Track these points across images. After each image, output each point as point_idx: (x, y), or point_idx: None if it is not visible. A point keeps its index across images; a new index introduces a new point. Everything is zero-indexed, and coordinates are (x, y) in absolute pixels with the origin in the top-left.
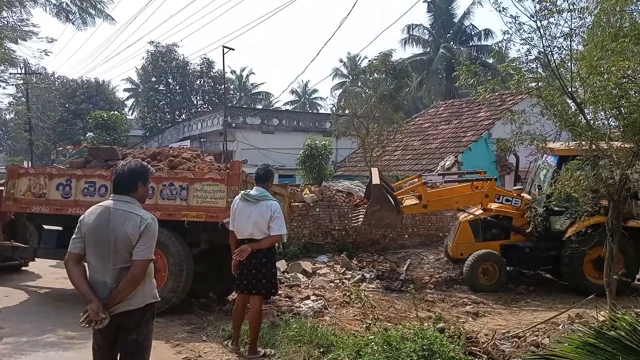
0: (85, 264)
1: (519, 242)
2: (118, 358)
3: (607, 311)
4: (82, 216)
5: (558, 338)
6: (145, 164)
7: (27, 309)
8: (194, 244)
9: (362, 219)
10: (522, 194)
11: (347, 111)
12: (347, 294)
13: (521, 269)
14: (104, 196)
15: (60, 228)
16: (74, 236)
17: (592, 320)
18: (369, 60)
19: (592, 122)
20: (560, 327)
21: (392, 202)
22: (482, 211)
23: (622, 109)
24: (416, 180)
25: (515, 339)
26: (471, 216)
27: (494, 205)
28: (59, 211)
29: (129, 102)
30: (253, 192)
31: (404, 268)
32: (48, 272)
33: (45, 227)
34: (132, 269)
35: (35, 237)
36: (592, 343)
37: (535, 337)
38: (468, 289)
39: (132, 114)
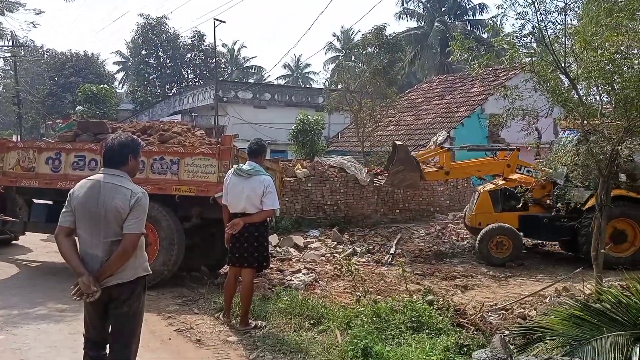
0: (76, 238)
1: (538, 214)
2: (109, 330)
3: (593, 284)
4: (71, 190)
5: (545, 310)
6: (136, 137)
7: (18, 283)
8: (186, 218)
9: (382, 182)
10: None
11: (339, 86)
12: (338, 267)
13: (538, 240)
14: (94, 170)
15: (50, 202)
16: (63, 210)
17: (578, 294)
18: (363, 35)
19: (584, 98)
20: (547, 299)
21: (416, 164)
22: (503, 181)
23: (614, 84)
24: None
25: (503, 312)
26: (491, 186)
27: (515, 176)
28: (49, 185)
29: (119, 76)
30: (246, 166)
31: (394, 242)
32: (39, 246)
33: (35, 201)
34: (123, 243)
35: (25, 211)
36: (578, 315)
37: (522, 310)
38: (459, 262)
39: (122, 87)
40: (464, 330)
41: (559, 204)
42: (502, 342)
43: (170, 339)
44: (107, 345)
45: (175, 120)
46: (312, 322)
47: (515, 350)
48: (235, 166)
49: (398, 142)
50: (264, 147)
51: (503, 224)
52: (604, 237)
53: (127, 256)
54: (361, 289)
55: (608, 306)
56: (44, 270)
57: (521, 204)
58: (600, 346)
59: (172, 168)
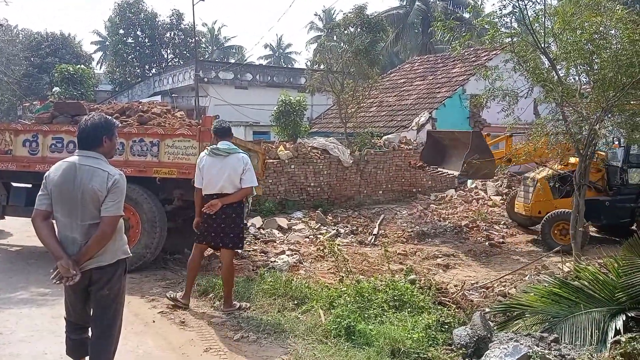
0: (54, 221)
1: (599, 197)
2: (91, 313)
3: (572, 262)
4: (47, 172)
5: (524, 288)
6: (110, 117)
7: None
8: (167, 200)
9: (456, 174)
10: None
11: (321, 66)
12: (322, 248)
13: (598, 223)
14: (73, 152)
15: (29, 185)
16: (40, 193)
17: (557, 272)
18: (344, 14)
19: (564, 78)
20: (527, 278)
21: (489, 151)
22: (561, 166)
23: (593, 64)
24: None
25: (484, 290)
26: (544, 173)
27: (572, 160)
28: (27, 168)
29: (97, 56)
30: (222, 146)
31: (377, 223)
32: (19, 230)
33: (14, 184)
34: (101, 226)
35: (4, 194)
36: (557, 292)
37: (502, 288)
38: (441, 242)
39: (100, 68)
40: (446, 309)
41: (614, 187)
42: (482, 319)
43: (154, 322)
44: (89, 328)
45: (155, 102)
46: (295, 302)
47: (495, 327)
48: (209, 147)
49: (473, 130)
50: (230, 126)
51: (566, 210)
52: (582, 216)
53: (105, 239)
54: (344, 269)
55: (586, 283)
56: (25, 254)
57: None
58: (578, 322)
59: (152, 150)
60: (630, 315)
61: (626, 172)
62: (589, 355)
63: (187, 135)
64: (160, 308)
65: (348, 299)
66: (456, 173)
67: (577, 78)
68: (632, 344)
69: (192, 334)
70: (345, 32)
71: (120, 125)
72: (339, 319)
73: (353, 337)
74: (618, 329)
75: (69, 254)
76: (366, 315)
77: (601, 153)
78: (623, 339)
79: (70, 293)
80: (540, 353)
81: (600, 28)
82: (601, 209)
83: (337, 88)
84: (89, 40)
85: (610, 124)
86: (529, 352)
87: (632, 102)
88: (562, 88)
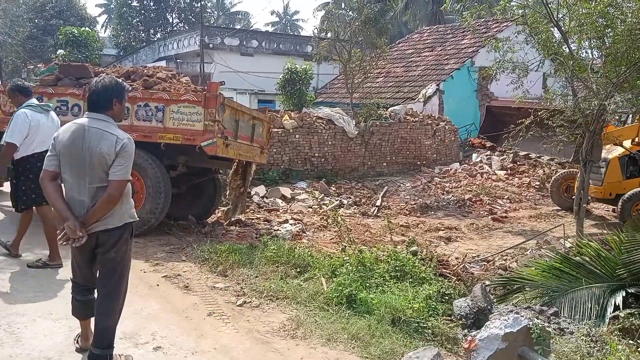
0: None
1: None
2: (97, 275)
3: (574, 238)
4: (56, 133)
5: (525, 262)
6: (121, 80)
7: (3, 229)
8: (172, 166)
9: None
10: None
11: (329, 34)
12: (325, 218)
13: None
14: (77, 115)
15: None
16: (48, 153)
17: (558, 247)
18: None
19: (575, 52)
20: (528, 252)
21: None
22: (630, 145)
23: (606, 38)
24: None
25: (484, 263)
26: (616, 153)
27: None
28: None
29: (101, 19)
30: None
31: (381, 195)
32: None
33: None
34: (109, 189)
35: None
36: (558, 267)
37: (503, 261)
38: (444, 215)
39: (104, 31)
40: (446, 280)
41: None
42: (483, 291)
43: (158, 285)
44: (95, 290)
45: (161, 66)
46: (298, 270)
47: (495, 300)
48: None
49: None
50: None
51: None
52: (587, 192)
53: (113, 202)
54: (347, 239)
55: (587, 259)
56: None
57: None
58: (577, 297)
59: (157, 115)
60: (630, 291)
61: None
62: (588, 329)
63: (192, 101)
64: (165, 272)
65: (350, 268)
66: (560, 158)
67: (588, 52)
68: (631, 319)
69: (196, 298)
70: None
71: (130, 88)
72: (340, 287)
73: (354, 306)
74: (617, 304)
75: (76, 216)
76: (368, 285)
77: None
78: (622, 315)
79: (76, 254)
80: (540, 325)
81: (614, 0)
82: None
83: (344, 57)
84: (94, 3)
85: (620, 100)
86: (529, 324)
87: None
88: (573, 62)
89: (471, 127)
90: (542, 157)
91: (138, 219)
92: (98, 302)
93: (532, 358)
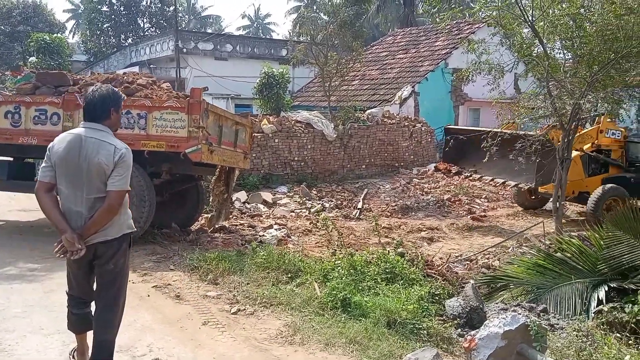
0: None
1: (622, 174)
2: (94, 287)
3: (554, 235)
4: (51, 144)
5: (509, 260)
6: (117, 89)
7: None
8: (155, 174)
9: (529, 184)
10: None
11: (302, 38)
12: (311, 222)
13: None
14: (57, 125)
15: (10, 159)
16: (43, 164)
17: (538, 244)
18: None
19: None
20: (510, 250)
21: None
22: (589, 145)
23: (577, 39)
24: None
25: (468, 262)
26: (576, 152)
27: (604, 140)
28: (9, 140)
29: (69, 25)
30: None
31: (362, 197)
32: (1, 205)
33: None
34: (108, 200)
35: None
36: (541, 264)
37: (486, 260)
38: (424, 216)
39: (72, 37)
40: (433, 280)
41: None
42: (474, 290)
43: (149, 296)
44: (91, 303)
45: (140, 73)
46: (289, 275)
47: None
48: None
49: (532, 133)
50: None
51: (614, 186)
52: (565, 190)
53: (112, 213)
54: (337, 242)
55: (569, 255)
56: (9, 229)
57: (602, 167)
58: (562, 292)
59: (139, 122)
60: (611, 285)
61: None
62: (577, 325)
63: (175, 107)
64: (154, 282)
65: (342, 271)
66: (523, 185)
67: (561, 54)
68: (614, 313)
69: (188, 308)
70: (329, 2)
71: (125, 97)
72: (334, 292)
73: (349, 309)
74: (600, 299)
75: (73, 228)
76: (360, 288)
77: (622, 129)
78: (605, 309)
79: (73, 267)
80: (537, 322)
81: (586, 2)
82: (628, 186)
83: (321, 60)
84: (61, 9)
85: (594, 99)
86: (526, 321)
87: (615, 77)
88: (548, 63)
89: None
90: (507, 182)
91: (136, 229)
92: (97, 314)
93: (531, 355)
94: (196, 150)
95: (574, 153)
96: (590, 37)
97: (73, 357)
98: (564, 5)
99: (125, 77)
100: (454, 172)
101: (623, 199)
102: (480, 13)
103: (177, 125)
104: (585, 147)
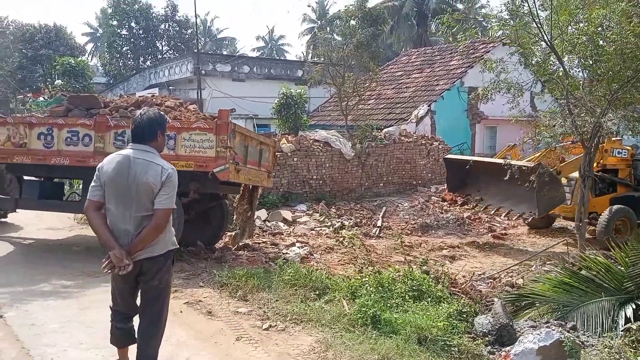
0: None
1: (629, 193)
2: (139, 303)
3: (577, 253)
4: (99, 164)
5: (534, 278)
6: (162, 113)
7: (14, 260)
8: (183, 193)
9: (535, 213)
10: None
11: (321, 59)
12: (337, 239)
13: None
14: (88, 146)
15: (41, 179)
16: (92, 184)
17: (562, 262)
18: (345, 6)
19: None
20: (533, 268)
21: (554, 176)
22: (595, 165)
23: (598, 58)
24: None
25: (491, 280)
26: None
27: (610, 160)
28: (42, 161)
29: (88, 47)
30: None
31: (380, 215)
32: (29, 224)
33: (26, 177)
34: (155, 218)
35: (16, 187)
36: (567, 282)
37: (509, 278)
38: (444, 234)
39: (91, 59)
40: (457, 298)
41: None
42: (503, 308)
43: (181, 312)
44: (134, 318)
45: (167, 95)
46: (317, 292)
47: None
48: None
49: (527, 164)
50: None
51: (622, 207)
52: (587, 208)
53: (159, 231)
54: (365, 260)
55: (595, 273)
56: (39, 247)
57: (609, 186)
58: (589, 311)
59: (168, 143)
60: (639, 303)
61: None
62: (608, 342)
63: (203, 128)
64: (185, 299)
65: (370, 289)
66: (528, 214)
67: (580, 73)
68: None
69: (221, 324)
70: (347, 24)
71: (170, 120)
72: (364, 308)
73: (379, 326)
74: (628, 316)
75: (120, 245)
76: (389, 305)
77: (629, 148)
78: (634, 327)
79: (119, 283)
80: (571, 338)
81: (605, 21)
82: (636, 204)
83: (338, 81)
84: (80, 32)
85: (615, 117)
86: (560, 337)
87: (636, 94)
88: (568, 82)
89: (463, 146)
90: (511, 212)
91: (178, 246)
92: (142, 329)
93: None
94: (224, 170)
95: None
96: (609, 56)
97: None
98: (581, 25)
99: (154, 100)
100: (460, 202)
101: (631, 220)
102: (497, 32)
103: (205, 146)
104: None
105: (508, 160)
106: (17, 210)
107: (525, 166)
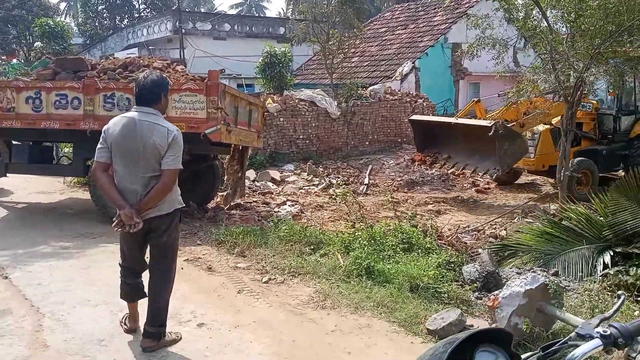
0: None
1: (597, 147)
2: (148, 259)
3: (558, 204)
4: (105, 127)
5: (517, 228)
6: (164, 76)
7: (10, 224)
8: None
9: (499, 170)
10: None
11: (294, 15)
12: (331, 197)
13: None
14: (77, 109)
15: (30, 143)
16: (99, 146)
17: (543, 214)
18: None
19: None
20: (515, 220)
21: (512, 131)
22: (558, 119)
23: (581, 12)
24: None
25: (475, 232)
26: (545, 126)
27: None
28: (31, 125)
29: (61, 7)
30: None
31: (367, 173)
32: (18, 188)
33: (14, 142)
34: (163, 178)
35: (6, 152)
36: (549, 232)
37: (493, 230)
38: (430, 189)
39: (65, 19)
40: (444, 249)
41: (607, 135)
42: (490, 256)
43: (182, 268)
44: (142, 273)
45: (156, 56)
46: (312, 247)
47: None
48: None
49: (485, 123)
50: None
51: (584, 159)
52: (569, 161)
53: (167, 190)
54: (356, 215)
55: (575, 223)
56: (33, 210)
57: (573, 140)
58: (569, 258)
59: None
60: (616, 250)
61: (619, 119)
62: (588, 286)
63: (193, 89)
64: (185, 256)
65: (363, 242)
66: (493, 171)
67: (563, 28)
68: (619, 276)
69: (222, 279)
70: None
71: (172, 83)
72: (358, 260)
73: (373, 276)
74: (606, 263)
75: (130, 204)
76: (381, 257)
77: (593, 102)
78: (611, 272)
79: (128, 240)
80: (555, 282)
81: None
82: (599, 158)
83: (322, 38)
84: None
85: (597, 71)
86: (545, 281)
87: (618, 49)
88: (552, 37)
89: (447, 103)
90: (477, 169)
91: (184, 204)
92: (152, 284)
93: (551, 310)
94: (215, 131)
95: (543, 127)
96: (592, 11)
97: (125, 323)
98: None
99: (141, 61)
100: (428, 162)
101: (593, 172)
102: None
103: (196, 107)
104: (554, 120)
105: (456, 120)
106: (7, 175)
107: (482, 125)
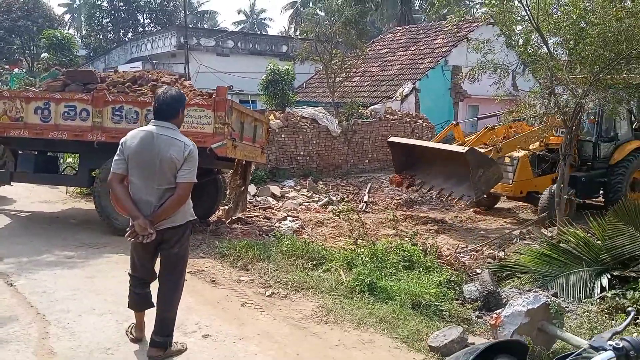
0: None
1: (576, 173)
2: (158, 269)
3: (557, 227)
4: (123, 139)
5: (516, 250)
6: (182, 92)
7: (14, 232)
8: None
9: (472, 196)
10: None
11: (298, 33)
12: (335, 213)
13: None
14: (86, 120)
15: (35, 152)
16: (116, 158)
17: (541, 236)
18: None
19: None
20: (514, 241)
21: (488, 157)
22: (537, 145)
23: (581, 40)
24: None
25: (474, 252)
26: (523, 152)
27: (554, 139)
28: (39, 135)
29: (65, 19)
30: None
31: (366, 191)
32: (21, 196)
33: (20, 151)
34: (178, 191)
35: (11, 161)
36: (547, 254)
37: (491, 251)
38: (428, 209)
39: (68, 30)
40: (444, 268)
41: (586, 162)
42: (490, 276)
43: (186, 280)
44: (151, 283)
45: (163, 70)
46: (314, 263)
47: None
48: None
49: (460, 150)
50: None
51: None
52: (567, 184)
53: (181, 203)
54: (359, 232)
55: (573, 246)
56: (36, 219)
57: (551, 166)
58: (567, 280)
59: None
60: (614, 274)
61: (599, 146)
62: (587, 308)
63: (201, 104)
64: (188, 269)
65: (365, 259)
66: (467, 197)
67: (564, 55)
68: (616, 299)
69: (226, 291)
70: (334, 2)
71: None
72: (361, 277)
73: (375, 293)
74: (604, 286)
75: (144, 215)
76: (383, 274)
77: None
78: (609, 295)
79: (140, 250)
80: (556, 302)
81: (587, 3)
82: (578, 185)
83: (325, 57)
84: (56, 2)
85: (596, 98)
86: (547, 301)
87: (616, 77)
88: (553, 63)
89: (446, 124)
90: (452, 195)
91: (196, 217)
92: (161, 294)
93: (552, 330)
94: (221, 146)
95: (521, 153)
96: (592, 39)
97: (131, 333)
98: (566, 8)
99: (150, 75)
100: (405, 185)
101: (571, 200)
102: (480, 11)
103: (203, 122)
104: (533, 146)
105: (432, 145)
106: (12, 183)
107: (456, 151)
